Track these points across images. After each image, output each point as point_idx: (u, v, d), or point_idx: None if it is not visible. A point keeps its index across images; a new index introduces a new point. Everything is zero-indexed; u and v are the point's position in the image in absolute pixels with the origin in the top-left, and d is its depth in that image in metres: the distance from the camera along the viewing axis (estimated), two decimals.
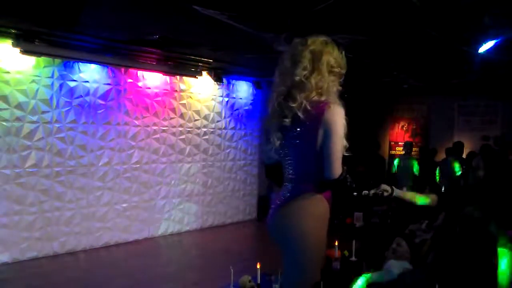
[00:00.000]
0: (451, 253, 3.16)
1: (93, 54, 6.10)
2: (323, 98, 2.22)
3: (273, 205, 2.42)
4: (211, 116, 8.16)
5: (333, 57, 2.33)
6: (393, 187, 2.74)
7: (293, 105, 2.22)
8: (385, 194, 2.70)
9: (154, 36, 5.34)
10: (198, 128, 7.95)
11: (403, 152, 8.81)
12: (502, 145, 8.17)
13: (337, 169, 2.19)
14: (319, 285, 2.37)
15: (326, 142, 2.17)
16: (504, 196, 3.26)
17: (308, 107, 2.19)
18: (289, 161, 2.33)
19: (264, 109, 9.19)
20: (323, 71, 2.26)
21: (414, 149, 9.54)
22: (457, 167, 7.98)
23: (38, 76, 5.82)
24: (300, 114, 2.20)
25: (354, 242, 4.56)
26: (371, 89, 9.53)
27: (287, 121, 2.24)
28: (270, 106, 2.36)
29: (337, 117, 2.18)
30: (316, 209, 2.31)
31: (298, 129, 2.23)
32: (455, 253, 3.14)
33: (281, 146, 2.33)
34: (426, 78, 7.69)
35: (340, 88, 2.33)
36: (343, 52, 2.39)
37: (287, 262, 2.43)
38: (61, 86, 6.04)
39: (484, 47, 4.64)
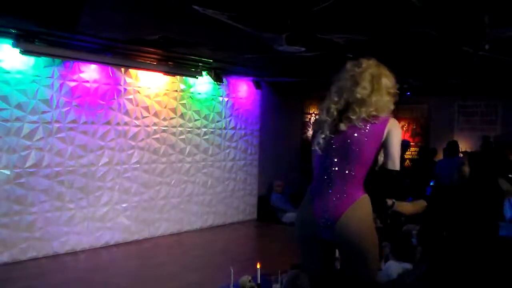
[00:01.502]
0: (442, 258, 3.18)
1: (93, 54, 6.10)
2: (381, 115, 2.57)
3: (323, 205, 2.53)
4: (211, 116, 8.16)
5: (390, 80, 2.67)
6: (394, 201, 2.93)
7: (353, 117, 2.54)
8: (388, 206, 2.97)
9: (154, 36, 5.34)
10: (198, 128, 7.95)
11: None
12: (502, 145, 8.17)
13: (398, 164, 2.53)
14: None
15: (390, 143, 2.53)
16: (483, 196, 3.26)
17: (368, 119, 2.54)
18: (342, 163, 2.54)
19: (265, 110, 9.20)
20: (382, 92, 2.60)
21: (412, 149, 9.58)
22: None
23: (38, 76, 5.82)
24: (359, 123, 2.53)
25: None
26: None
27: (343, 126, 2.56)
28: (324, 114, 2.63)
29: (398, 127, 2.63)
30: (369, 208, 2.55)
31: (356, 135, 2.53)
32: (445, 257, 3.16)
33: (328, 149, 2.58)
34: (426, 78, 7.68)
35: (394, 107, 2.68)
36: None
37: (354, 261, 2.53)
38: (61, 86, 6.05)
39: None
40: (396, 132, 2.57)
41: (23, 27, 5.05)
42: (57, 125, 6.03)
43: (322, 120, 2.64)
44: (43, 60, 5.82)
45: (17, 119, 5.66)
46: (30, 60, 5.69)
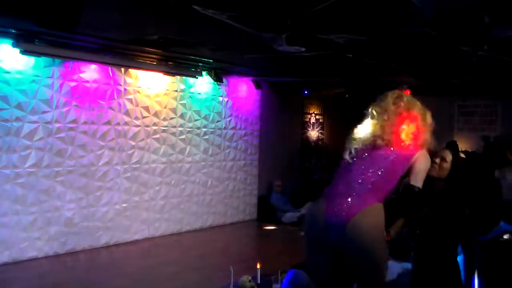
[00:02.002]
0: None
1: (93, 54, 6.10)
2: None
3: (336, 205, 2.61)
4: (211, 116, 8.16)
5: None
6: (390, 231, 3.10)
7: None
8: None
9: (154, 36, 5.34)
10: (198, 128, 7.96)
11: None
12: (502, 145, 8.17)
13: (420, 182, 2.74)
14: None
15: (415, 167, 2.74)
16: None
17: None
18: (366, 173, 2.67)
19: (265, 110, 9.20)
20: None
21: None
22: None
23: (38, 76, 5.83)
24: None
25: None
26: (371, 89, 9.52)
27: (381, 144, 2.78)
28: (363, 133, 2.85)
29: (425, 156, 2.83)
30: (382, 215, 2.65)
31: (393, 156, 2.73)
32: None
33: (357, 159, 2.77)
34: (426, 78, 7.68)
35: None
36: None
37: (362, 264, 2.59)
38: (61, 86, 6.05)
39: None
40: (422, 160, 2.78)
41: (23, 27, 5.05)
42: (57, 125, 6.03)
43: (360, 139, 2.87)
44: (43, 60, 5.82)
45: (17, 119, 5.66)
46: (30, 60, 5.69)
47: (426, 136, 2.82)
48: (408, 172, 2.71)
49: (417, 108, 2.84)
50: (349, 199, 2.58)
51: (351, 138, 2.88)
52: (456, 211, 3.17)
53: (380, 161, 2.66)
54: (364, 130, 2.84)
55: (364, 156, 2.73)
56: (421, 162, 2.75)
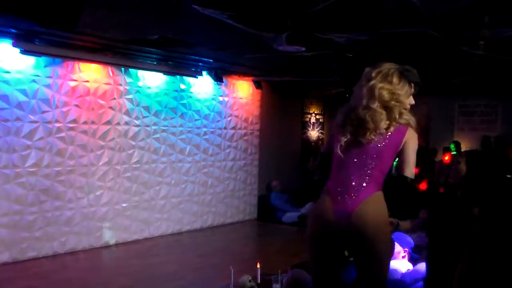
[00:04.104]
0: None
1: (93, 54, 6.10)
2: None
3: (340, 198, 2.57)
4: (211, 116, 8.16)
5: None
6: (398, 221, 3.01)
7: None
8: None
9: (154, 36, 5.34)
10: (198, 128, 7.96)
11: None
12: (503, 144, 8.18)
13: (412, 171, 2.62)
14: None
15: (409, 149, 2.61)
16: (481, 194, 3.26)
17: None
18: (365, 163, 2.59)
19: (265, 110, 9.20)
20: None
21: None
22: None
23: (38, 76, 5.82)
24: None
25: None
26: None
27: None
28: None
29: (415, 137, 2.66)
30: (384, 203, 2.60)
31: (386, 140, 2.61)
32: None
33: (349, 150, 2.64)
34: (426, 78, 7.68)
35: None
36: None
37: (367, 253, 2.56)
38: (61, 86, 6.04)
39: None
40: (413, 140, 2.62)
41: (23, 27, 5.05)
42: (57, 125, 6.03)
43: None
44: (43, 60, 5.82)
45: (17, 118, 5.66)
46: (30, 60, 5.69)
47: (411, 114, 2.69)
48: (400, 153, 2.60)
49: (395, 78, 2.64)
50: (352, 192, 2.55)
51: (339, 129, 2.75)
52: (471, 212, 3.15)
53: (374, 148, 2.58)
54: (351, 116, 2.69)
55: (357, 146, 2.62)
56: (413, 143, 2.61)
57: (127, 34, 5.36)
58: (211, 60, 7.09)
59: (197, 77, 7.58)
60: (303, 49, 4.72)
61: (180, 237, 7.47)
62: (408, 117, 2.63)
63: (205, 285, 5.21)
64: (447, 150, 8.53)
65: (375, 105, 2.56)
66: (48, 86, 5.92)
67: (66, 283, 5.20)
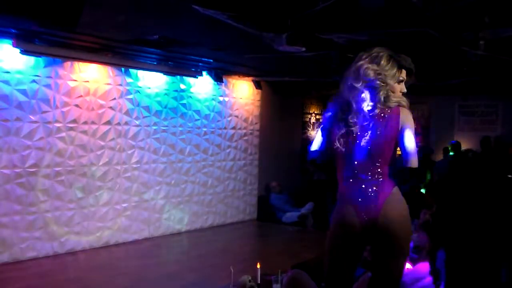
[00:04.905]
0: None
1: (93, 54, 6.10)
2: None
3: (369, 209, 2.51)
4: (211, 116, 8.16)
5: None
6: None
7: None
8: None
9: (154, 36, 5.34)
10: (198, 128, 7.96)
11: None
12: (504, 144, 8.18)
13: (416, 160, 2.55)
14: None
15: (409, 134, 2.53)
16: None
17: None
18: (371, 157, 2.53)
19: (265, 110, 9.20)
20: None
21: None
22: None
23: (38, 76, 5.82)
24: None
25: None
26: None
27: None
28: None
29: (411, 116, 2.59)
30: (404, 200, 2.58)
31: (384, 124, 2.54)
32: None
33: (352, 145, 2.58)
34: (426, 78, 7.68)
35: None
36: None
37: (392, 251, 2.53)
38: (61, 86, 6.04)
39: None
40: (411, 121, 2.52)
41: (23, 27, 5.05)
42: (57, 125, 6.03)
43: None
44: (43, 60, 5.82)
45: (17, 119, 5.66)
46: (30, 60, 5.69)
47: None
48: (399, 141, 2.49)
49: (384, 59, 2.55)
50: (370, 195, 2.50)
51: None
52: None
53: (372, 140, 2.49)
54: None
55: (354, 138, 2.54)
56: (410, 126, 2.50)
57: (127, 34, 5.36)
58: (211, 60, 7.09)
59: (197, 77, 7.58)
60: (303, 49, 4.72)
61: (180, 237, 7.47)
62: (397, 98, 2.54)
63: (205, 285, 5.21)
64: (446, 150, 8.52)
65: (359, 84, 2.51)
66: (48, 86, 5.91)
67: (66, 283, 5.20)
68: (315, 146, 2.72)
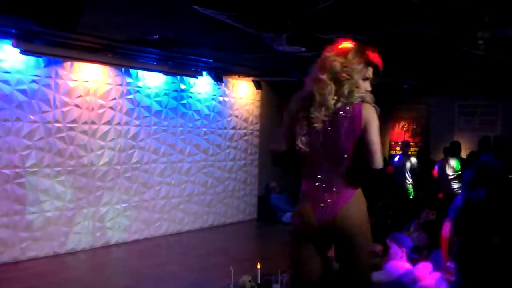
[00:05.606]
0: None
1: (93, 54, 6.10)
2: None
3: (328, 210, 2.47)
4: (211, 116, 8.16)
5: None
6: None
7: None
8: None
9: (154, 36, 5.34)
10: (198, 128, 7.95)
11: (400, 152, 9.00)
12: (505, 144, 8.16)
13: (380, 160, 2.49)
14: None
15: (372, 132, 2.44)
16: None
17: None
18: (334, 156, 2.47)
19: (265, 110, 9.20)
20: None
21: (412, 148, 9.61)
22: (457, 165, 7.97)
23: (38, 76, 5.83)
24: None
25: None
26: (371, 89, 9.53)
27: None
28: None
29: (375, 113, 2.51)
30: (365, 202, 2.55)
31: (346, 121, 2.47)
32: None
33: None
34: (426, 78, 7.68)
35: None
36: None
37: (351, 254, 2.51)
38: (61, 86, 6.04)
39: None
40: (375, 118, 2.41)
41: (23, 27, 5.05)
42: (57, 125, 6.03)
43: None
44: (43, 60, 5.82)
45: (17, 118, 5.66)
46: (30, 60, 5.69)
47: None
48: (362, 140, 2.38)
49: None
50: (331, 196, 2.45)
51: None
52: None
53: (335, 137, 2.41)
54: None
55: (317, 136, 2.46)
56: (374, 124, 2.39)
57: (127, 34, 5.36)
58: (211, 60, 7.09)
59: (197, 77, 7.58)
60: (303, 49, 4.71)
61: (180, 237, 7.47)
62: (360, 94, 2.43)
63: (205, 285, 5.21)
64: (447, 150, 8.51)
65: (325, 76, 2.43)
66: (48, 86, 5.91)
67: (66, 283, 5.20)
68: (279, 147, 2.64)
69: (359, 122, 2.38)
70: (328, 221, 2.46)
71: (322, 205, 2.47)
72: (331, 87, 2.42)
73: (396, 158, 8.72)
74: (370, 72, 2.53)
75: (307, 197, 2.54)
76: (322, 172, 2.49)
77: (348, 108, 2.41)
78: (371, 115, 2.40)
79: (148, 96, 7.13)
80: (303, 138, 2.48)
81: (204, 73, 7.70)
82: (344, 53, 2.46)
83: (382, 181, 2.52)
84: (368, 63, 2.50)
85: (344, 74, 2.42)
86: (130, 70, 6.84)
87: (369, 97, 2.47)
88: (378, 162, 2.39)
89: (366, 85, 2.52)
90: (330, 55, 2.47)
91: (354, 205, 2.47)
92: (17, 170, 5.69)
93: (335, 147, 2.43)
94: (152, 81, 7.17)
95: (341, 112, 2.41)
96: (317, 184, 2.49)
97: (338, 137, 2.42)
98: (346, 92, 2.41)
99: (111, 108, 6.63)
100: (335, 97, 2.42)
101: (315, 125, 2.44)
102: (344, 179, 2.46)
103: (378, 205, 7.61)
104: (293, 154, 2.56)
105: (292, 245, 2.63)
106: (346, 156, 2.43)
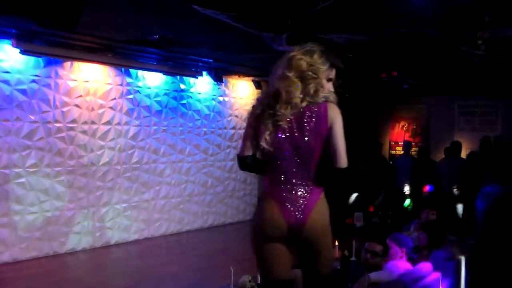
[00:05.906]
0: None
1: (93, 54, 6.10)
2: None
3: (296, 215, 2.45)
4: (211, 116, 8.16)
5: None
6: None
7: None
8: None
9: (154, 36, 5.34)
10: (198, 128, 7.96)
11: (402, 152, 9.01)
12: (502, 145, 8.17)
13: (345, 159, 2.50)
14: None
15: (337, 133, 2.46)
16: None
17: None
18: (299, 158, 2.47)
19: None
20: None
21: (413, 148, 9.60)
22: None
23: (38, 76, 5.83)
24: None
25: (354, 242, 4.57)
26: (371, 89, 9.53)
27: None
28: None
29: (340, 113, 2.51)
30: (327, 206, 2.56)
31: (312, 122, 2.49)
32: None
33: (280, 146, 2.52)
34: (426, 78, 7.68)
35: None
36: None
37: (317, 257, 2.52)
38: (61, 86, 6.05)
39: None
40: (339, 118, 2.44)
41: (23, 27, 5.05)
42: (57, 125, 6.03)
43: None
44: (43, 60, 5.82)
45: (17, 118, 5.66)
46: (30, 60, 5.69)
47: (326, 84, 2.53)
48: (328, 140, 2.40)
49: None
50: (298, 200, 2.45)
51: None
52: None
53: (300, 138, 2.41)
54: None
55: (283, 138, 2.45)
56: (339, 124, 2.42)
57: (127, 34, 5.36)
58: (211, 60, 7.09)
59: (197, 77, 7.58)
60: None
61: (180, 237, 7.47)
62: (325, 94, 2.46)
63: (205, 285, 5.21)
64: (447, 150, 8.51)
65: (291, 74, 2.45)
66: (48, 86, 5.92)
67: (66, 283, 5.20)
68: (245, 151, 2.58)
69: (325, 122, 2.41)
70: (297, 226, 2.45)
71: (289, 206, 2.46)
72: (298, 84, 2.44)
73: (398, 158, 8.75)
74: (333, 74, 2.57)
75: (273, 197, 2.51)
76: (287, 172, 2.47)
77: (313, 107, 2.44)
78: (336, 115, 2.44)
79: (148, 96, 7.13)
80: (267, 137, 2.46)
81: (204, 73, 7.70)
82: (310, 53, 2.50)
83: (346, 181, 2.49)
84: (332, 65, 2.55)
85: (310, 73, 2.45)
86: (130, 70, 6.84)
87: (333, 97, 2.49)
88: (343, 162, 2.42)
89: (330, 86, 2.55)
90: (296, 54, 2.50)
91: (320, 210, 2.48)
92: (17, 170, 5.69)
93: (301, 146, 2.44)
94: (152, 81, 7.17)
95: (307, 111, 2.43)
96: (283, 185, 2.48)
97: (304, 137, 2.43)
98: (312, 91, 2.44)
99: (111, 108, 6.63)
100: (301, 95, 2.44)
101: (281, 123, 2.44)
102: (310, 179, 2.47)
103: (377, 205, 7.61)
104: (257, 159, 2.57)
105: (257, 245, 2.57)
106: (312, 155, 2.44)
